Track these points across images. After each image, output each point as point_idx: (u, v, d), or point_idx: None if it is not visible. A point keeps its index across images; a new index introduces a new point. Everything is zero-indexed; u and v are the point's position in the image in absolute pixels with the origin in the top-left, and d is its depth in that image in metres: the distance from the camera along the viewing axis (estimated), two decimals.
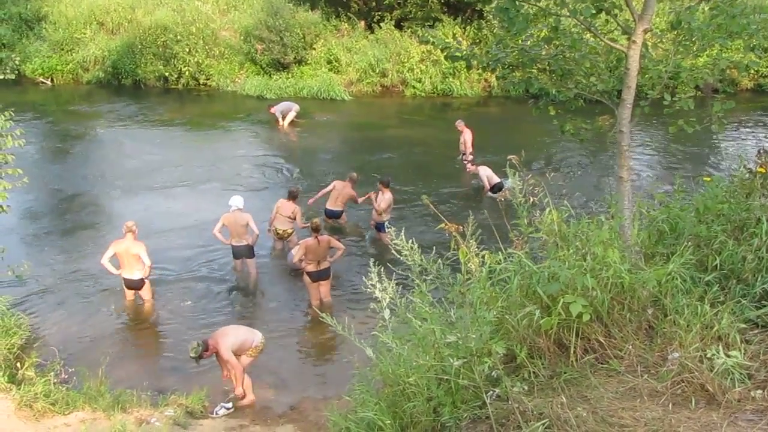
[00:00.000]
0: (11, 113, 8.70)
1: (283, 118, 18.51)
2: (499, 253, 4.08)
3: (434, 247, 4.10)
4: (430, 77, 22.37)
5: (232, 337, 7.37)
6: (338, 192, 11.63)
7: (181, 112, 21.03)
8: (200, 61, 23.18)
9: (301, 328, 9.34)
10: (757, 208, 4.21)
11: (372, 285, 3.81)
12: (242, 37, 23.95)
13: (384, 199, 10.97)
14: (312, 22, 23.27)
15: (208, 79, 23.47)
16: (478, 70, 15.50)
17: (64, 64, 24.60)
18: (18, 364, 7.60)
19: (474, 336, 3.43)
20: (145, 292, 9.55)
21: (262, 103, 20.65)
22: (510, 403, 3.22)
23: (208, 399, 7.54)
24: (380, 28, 23.39)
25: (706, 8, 5.13)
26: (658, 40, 5.83)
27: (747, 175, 4.75)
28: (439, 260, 3.91)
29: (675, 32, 5.13)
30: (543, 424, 3.01)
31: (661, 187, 9.94)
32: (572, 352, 3.52)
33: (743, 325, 3.52)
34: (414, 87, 22.44)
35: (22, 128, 9.19)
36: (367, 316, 6.45)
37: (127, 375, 8.05)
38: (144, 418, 6.90)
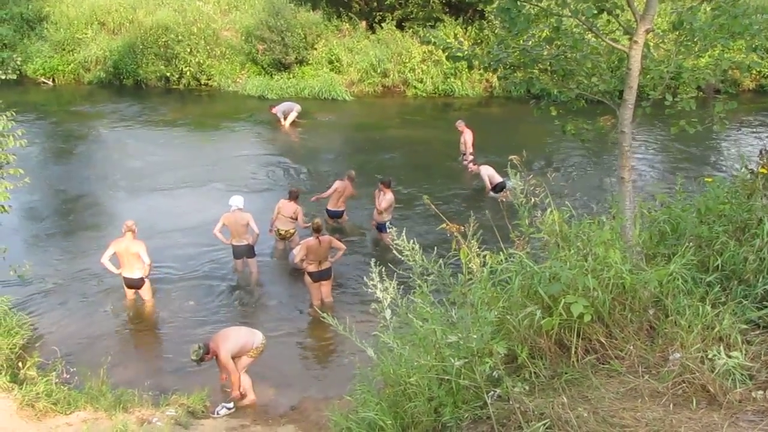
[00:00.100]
0: (13, 113, 8.71)
1: (285, 118, 18.52)
2: (501, 253, 4.08)
3: (435, 248, 4.10)
4: (432, 77, 22.36)
5: (233, 341, 7.36)
6: (340, 193, 11.66)
7: (183, 113, 21.05)
8: (201, 61, 23.19)
9: (303, 329, 9.34)
10: (759, 209, 4.20)
11: (373, 285, 3.81)
12: (243, 38, 23.96)
13: (385, 199, 10.98)
14: (313, 22, 23.28)
15: (209, 80, 23.48)
16: (479, 70, 15.53)
17: (65, 64, 24.63)
18: (20, 364, 7.63)
19: (475, 336, 3.43)
20: (145, 292, 9.55)
21: (264, 103, 20.66)
22: (511, 403, 3.22)
23: (209, 399, 7.55)
24: (381, 28, 23.38)
25: (708, 8, 5.13)
26: (660, 41, 5.82)
27: (749, 176, 4.74)
28: (441, 260, 3.91)
29: (677, 32, 5.13)
30: (544, 424, 3.01)
31: (662, 187, 9.94)
32: (573, 352, 3.52)
33: (744, 326, 3.51)
34: (415, 87, 22.44)
35: (24, 128, 9.22)
36: (369, 317, 6.45)
37: (129, 375, 8.06)
38: (145, 418, 6.91)
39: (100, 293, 9.97)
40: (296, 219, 10.66)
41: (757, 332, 3.56)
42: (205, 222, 11.16)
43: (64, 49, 24.79)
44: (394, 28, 23.31)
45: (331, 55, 23.24)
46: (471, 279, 3.78)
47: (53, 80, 24.63)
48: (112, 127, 19.27)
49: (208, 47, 23.34)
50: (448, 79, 22.34)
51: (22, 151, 9.52)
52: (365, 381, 4.21)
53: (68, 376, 7.54)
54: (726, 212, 4.39)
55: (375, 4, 23.98)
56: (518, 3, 4.99)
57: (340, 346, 8.54)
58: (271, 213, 10.93)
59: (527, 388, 3.32)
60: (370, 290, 3.86)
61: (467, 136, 14.78)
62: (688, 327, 3.46)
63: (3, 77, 8.68)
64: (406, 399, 3.69)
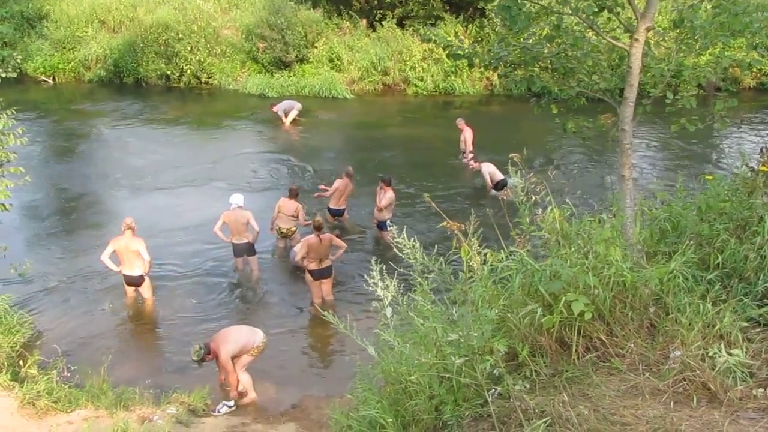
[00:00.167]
0: (13, 111, 8.72)
1: (286, 116, 18.52)
2: (501, 251, 4.08)
3: (436, 246, 4.10)
4: (432, 76, 22.34)
5: (233, 342, 7.34)
6: (341, 191, 11.67)
7: (184, 111, 21.05)
8: (202, 59, 23.18)
9: (303, 327, 9.35)
10: (760, 207, 4.20)
11: (374, 283, 3.81)
12: (244, 36, 23.94)
13: (386, 197, 10.98)
14: (314, 21, 23.26)
15: (209, 78, 23.47)
16: (480, 68, 15.52)
17: (65, 62, 24.62)
18: (21, 362, 7.64)
19: (476, 334, 3.43)
20: (145, 290, 9.56)
21: (264, 101, 20.65)
22: (512, 401, 3.22)
23: (210, 397, 7.55)
24: (382, 26, 23.37)
25: (709, 6, 5.12)
26: (661, 39, 5.81)
27: (749, 174, 4.73)
28: (441, 258, 3.91)
29: (677, 30, 5.12)
30: (544, 422, 3.02)
31: (663, 185, 9.93)
32: (574, 350, 3.52)
33: (745, 324, 3.51)
34: (416, 85, 22.43)
35: (24, 127, 9.21)
36: (369, 315, 6.46)
37: (129, 373, 8.07)
38: (146, 416, 6.92)
39: (100, 292, 9.98)
40: (297, 217, 10.66)
41: (758, 330, 3.56)
42: (206, 220, 11.16)
43: (64, 48, 24.79)
44: (395, 26, 23.30)
45: (332, 54, 23.23)
46: (472, 277, 3.78)
47: (53, 78, 24.62)
48: (112, 126, 19.27)
49: (208, 45, 23.33)
50: (449, 77, 22.33)
51: (23, 149, 9.52)
52: (366, 379, 4.21)
53: (69, 375, 7.56)
54: (727, 210, 4.39)
55: (375, 2, 23.97)
56: (519, 1, 4.98)
57: (341, 344, 8.54)
58: (271, 211, 10.94)
59: (528, 386, 3.32)
60: (370, 288, 3.86)
61: (467, 134, 14.78)
62: (689, 325, 3.47)
63: (3, 75, 8.67)
64: (407, 397, 3.69)
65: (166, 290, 10.03)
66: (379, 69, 22.65)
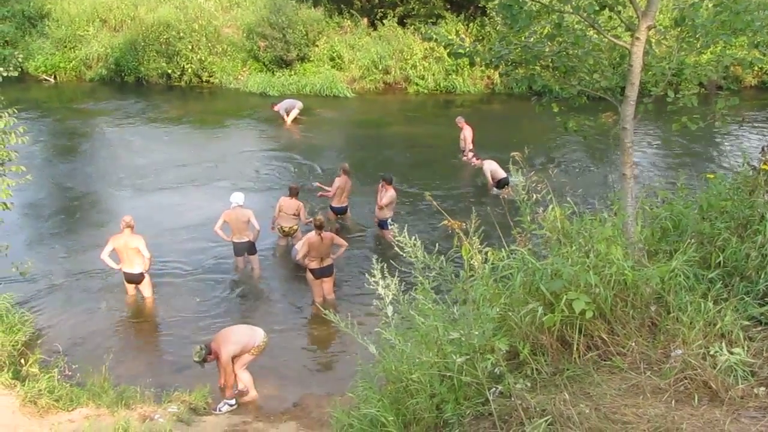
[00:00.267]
0: (15, 110, 8.72)
1: (287, 115, 18.52)
2: (502, 249, 4.08)
3: (437, 244, 4.10)
4: (433, 74, 22.33)
5: (234, 342, 7.33)
6: (342, 189, 11.68)
7: (185, 110, 21.05)
8: (203, 58, 23.19)
9: (304, 325, 9.35)
10: (761, 206, 4.20)
11: (375, 282, 3.81)
12: (245, 34, 23.95)
13: (386, 195, 10.98)
14: (315, 19, 23.26)
15: (210, 77, 23.48)
16: (481, 67, 15.51)
17: (67, 61, 24.63)
18: (22, 361, 7.65)
19: (477, 333, 3.43)
20: (145, 287, 9.57)
21: (265, 100, 20.66)
22: (513, 399, 3.22)
23: (211, 395, 7.56)
24: (383, 25, 23.36)
25: (710, 5, 5.12)
26: (662, 37, 5.81)
27: (750, 172, 4.73)
28: (442, 257, 3.91)
29: (679, 29, 5.11)
30: (546, 420, 3.02)
31: (664, 184, 9.93)
32: (575, 349, 3.52)
33: (746, 323, 3.51)
34: (417, 84, 22.42)
35: (26, 126, 9.20)
36: (370, 313, 6.46)
37: (131, 371, 8.09)
38: (147, 415, 6.93)
39: (101, 290, 9.99)
40: (298, 215, 10.66)
41: (759, 329, 3.56)
42: (208, 219, 11.17)
43: (65, 47, 24.81)
44: (396, 24, 23.29)
45: (333, 52, 23.23)
46: (473, 276, 3.78)
47: (55, 77, 24.64)
48: (114, 125, 19.28)
49: (209, 44, 23.33)
50: (450, 76, 22.32)
51: (24, 148, 9.52)
52: (367, 377, 4.21)
53: (70, 373, 7.57)
54: (728, 209, 4.39)
55: (377, 0, 23.95)
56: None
57: (342, 342, 8.55)
58: (273, 210, 10.94)
59: (529, 384, 3.32)
60: (371, 287, 3.86)
61: (467, 133, 14.78)
62: (690, 323, 3.46)
63: (5, 74, 8.66)
64: (408, 395, 3.69)
65: (168, 289, 10.04)
66: (380, 67, 22.65)
